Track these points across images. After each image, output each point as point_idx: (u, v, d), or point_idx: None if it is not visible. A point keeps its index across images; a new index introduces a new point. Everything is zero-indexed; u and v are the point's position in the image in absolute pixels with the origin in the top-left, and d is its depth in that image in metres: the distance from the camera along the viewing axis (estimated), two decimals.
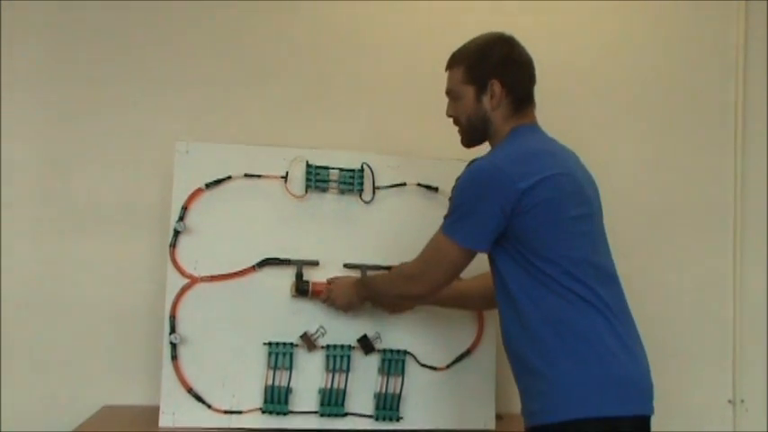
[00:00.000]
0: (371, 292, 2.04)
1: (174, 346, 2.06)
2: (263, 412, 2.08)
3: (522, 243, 1.72)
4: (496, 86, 1.82)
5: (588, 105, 2.55)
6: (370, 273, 2.14)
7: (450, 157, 2.22)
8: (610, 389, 1.65)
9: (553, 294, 1.69)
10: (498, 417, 2.19)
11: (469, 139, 1.91)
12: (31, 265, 2.32)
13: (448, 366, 2.17)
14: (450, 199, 1.81)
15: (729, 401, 2.56)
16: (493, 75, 1.82)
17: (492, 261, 1.82)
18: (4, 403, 2.28)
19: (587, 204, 1.78)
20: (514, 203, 1.69)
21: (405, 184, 2.21)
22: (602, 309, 1.70)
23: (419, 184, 2.21)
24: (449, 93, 1.92)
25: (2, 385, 2.28)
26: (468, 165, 1.80)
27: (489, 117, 1.84)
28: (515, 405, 2.19)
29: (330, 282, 2.12)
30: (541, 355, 1.69)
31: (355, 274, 2.15)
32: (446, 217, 1.81)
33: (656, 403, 1.75)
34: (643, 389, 1.71)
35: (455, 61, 1.89)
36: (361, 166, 2.19)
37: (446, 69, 1.92)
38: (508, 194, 1.69)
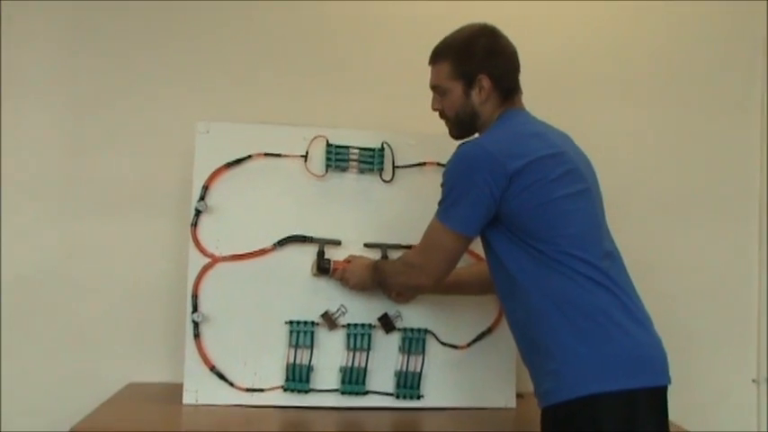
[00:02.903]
0: (382, 277, 2.04)
1: (196, 324, 2.09)
2: (285, 390, 2.10)
3: (516, 225, 1.72)
4: (485, 81, 1.82)
5: (605, 92, 2.53)
6: (390, 253, 2.14)
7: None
8: (621, 363, 1.65)
9: (555, 273, 1.69)
10: (519, 395, 2.20)
11: (458, 133, 1.91)
12: (55, 245, 2.36)
13: (468, 345, 2.18)
14: (441, 184, 1.81)
15: (753, 381, 2.54)
16: (480, 69, 1.82)
17: (487, 245, 1.82)
18: (33, 380, 2.33)
19: (582, 181, 1.77)
20: (504, 186, 1.70)
21: (425, 164, 2.21)
22: (605, 283, 1.70)
23: (439, 164, 2.19)
24: (435, 88, 1.91)
25: (30, 362, 2.33)
26: (457, 148, 1.80)
27: (477, 110, 1.85)
28: None
29: (348, 260, 2.13)
30: (548, 334, 1.69)
31: (375, 253, 2.16)
32: (439, 203, 1.81)
33: (679, 384, 1.74)
34: (656, 360, 1.71)
35: (439, 56, 1.89)
36: (381, 145, 2.19)
37: (430, 64, 1.91)
38: (497, 177, 1.70)
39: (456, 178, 1.76)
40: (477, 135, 1.89)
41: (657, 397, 1.69)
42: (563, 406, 1.66)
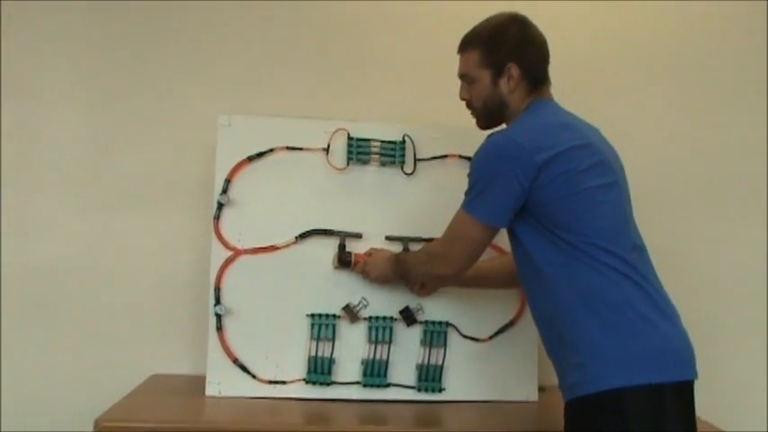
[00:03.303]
0: (404, 268, 2.04)
1: (218, 317, 2.10)
2: (307, 382, 2.11)
3: (544, 216, 1.71)
4: (514, 70, 1.81)
5: (631, 84, 2.51)
6: (412, 246, 2.15)
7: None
8: (648, 357, 1.64)
9: (582, 265, 1.68)
10: (541, 389, 2.20)
11: (485, 122, 1.90)
12: (80, 238, 2.38)
13: (490, 338, 2.18)
14: (468, 175, 1.81)
15: None
16: (510, 58, 1.81)
17: (514, 237, 1.81)
18: (58, 371, 2.36)
19: (611, 173, 1.76)
20: (532, 178, 1.69)
21: (446, 156, 2.21)
22: (633, 276, 1.69)
23: (461, 156, 2.20)
24: (463, 77, 1.90)
25: (54, 354, 2.36)
26: (486, 139, 1.79)
27: (506, 100, 1.84)
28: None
29: (369, 253, 2.13)
30: (574, 327, 1.68)
31: (397, 246, 2.16)
32: (466, 194, 1.80)
33: (704, 378, 1.73)
34: (683, 354, 1.70)
35: (469, 45, 1.87)
36: (403, 138, 2.19)
37: (459, 52, 1.90)
38: (525, 169, 1.69)
39: (484, 169, 1.75)
40: (503, 126, 1.88)
41: (684, 391, 1.68)
42: (588, 399, 1.65)
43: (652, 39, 2.53)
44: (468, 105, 1.92)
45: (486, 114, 1.89)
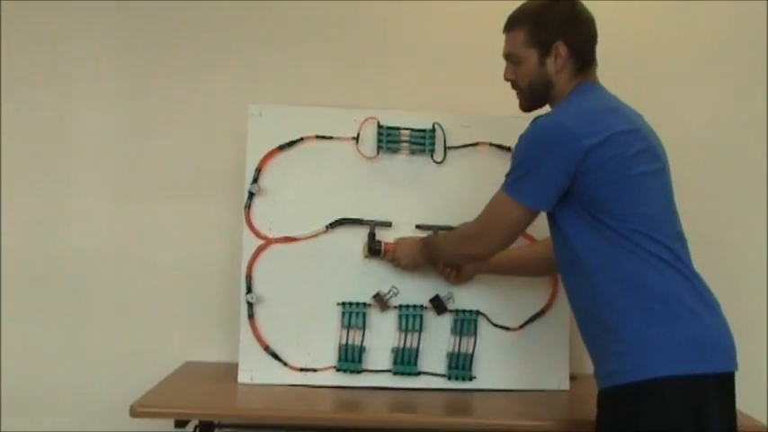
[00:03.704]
0: (435, 251, 2.03)
1: (250, 305, 2.12)
2: (338, 370, 2.13)
3: (590, 202, 1.68)
4: (561, 48, 1.77)
5: (677, 70, 2.46)
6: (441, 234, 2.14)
7: (522, 116, 2.16)
8: (690, 347, 1.61)
9: (626, 253, 1.66)
10: (572, 377, 2.19)
11: (529, 103, 1.87)
12: (113, 228, 2.42)
13: (521, 327, 2.18)
14: (512, 157, 1.79)
15: None
16: (557, 36, 1.77)
17: (554, 223, 1.78)
18: (94, 358, 2.40)
19: (657, 160, 1.74)
20: (579, 162, 1.66)
21: (477, 144, 2.20)
22: (677, 266, 1.67)
23: (491, 144, 2.19)
24: (508, 56, 1.86)
25: (90, 342, 2.40)
26: (532, 122, 1.77)
27: (552, 80, 1.80)
28: (589, 366, 2.19)
29: (397, 241, 2.12)
30: (615, 315, 1.66)
31: (427, 234, 2.14)
32: (507, 175, 1.78)
33: (743, 370, 1.70)
34: (725, 345, 1.67)
35: (515, 23, 1.83)
36: (433, 126, 2.18)
37: (504, 32, 1.86)
38: (572, 153, 1.66)
39: (529, 151, 1.73)
40: (547, 107, 1.85)
41: (725, 383, 1.65)
42: (627, 388, 1.63)
43: (703, 23, 2.47)
44: (514, 86, 1.88)
45: (532, 95, 1.85)
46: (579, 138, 1.66)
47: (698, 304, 1.65)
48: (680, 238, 1.73)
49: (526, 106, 1.88)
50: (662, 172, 1.75)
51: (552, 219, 1.79)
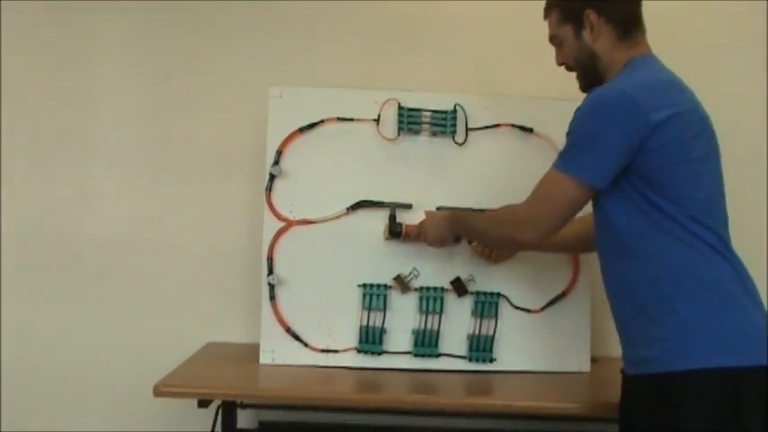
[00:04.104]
0: (467, 229, 1.98)
1: (271, 287, 2.13)
2: (359, 351, 2.14)
3: (646, 182, 1.60)
4: (592, 16, 1.73)
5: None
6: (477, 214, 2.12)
7: (545, 96, 2.20)
8: (736, 339, 1.56)
9: (675, 239, 1.59)
10: (593, 360, 2.18)
11: (585, 82, 1.80)
12: (135, 210, 2.44)
13: (542, 309, 2.18)
14: (567, 134, 1.68)
15: None
16: (584, 5, 1.73)
17: (597, 202, 1.71)
18: (118, 339, 2.43)
19: (713, 143, 1.68)
20: (644, 137, 1.57)
21: (498, 125, 2.19)
22: (727, 255, 1.62)
23: (513, 125, 2.19)
24: (552, 40, 1.84)
25: (114, 323, 2.43)
26: (591, 93, 1.67)
27: (594, 51, 1.74)
28: (610, 348, 2.22)
29: (426, 214, 2.09)
30: (659, 301, 1.60)
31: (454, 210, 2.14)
32: (562, 154, 1.68)
33: None
34: (766, 338, 1.59)
35: (549, 7, 1.83)
36: (454, 108, 2.18)
37: (544, 18, 1.85)
38: (639, 126, 1.57)
39: (590, 124, 1.62)
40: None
41: (765, 377, 1.58)
42: (668, 376, 1.57)
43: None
44: (567, 68, 1.84)
45: (584, 73, 1.79)
46: (646, 111, 1.57)
47: (744, 295, 1.61)
48: (727, 225, 1.67)
49: (583, 85, 1.81)
50: (715, 155, 1.69)
51: (596, 198, 1.71)
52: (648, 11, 1.77)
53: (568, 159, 1.65)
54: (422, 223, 2.07)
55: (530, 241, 1.77)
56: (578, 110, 1.66)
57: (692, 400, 1.55)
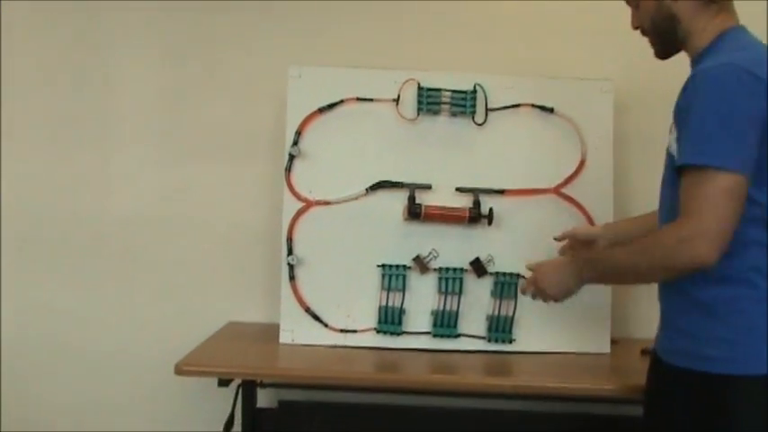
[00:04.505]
0: (606, 271, 1.66)
1: (291, 267, 2.15)
2: (378, 332, 2.15)
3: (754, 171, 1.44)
4: None
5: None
6: (482, 198, 2.13)
7: (566, 76, 2.19)
8: None
9: (762, 233, 1.47)
10: (613, 341, 2.17)
11: (662, 47, 1.64)
12: (156, 191, 2.45)
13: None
14: (681, 123, 1.48)
15: None
16: None
17: (671, 186, 1.54)
18: (140, 319, 2.45)
19: None
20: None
21: (518, 106, 2.18)
22: None
23: (533, 105, 2.18)
24: (628, 1, 1.68)
25: (135, 302, 2.45)
26: (700, 73, 1.48)
27: (674, 13, 1.57)
28: (631, 329, 2.23)
29: (533, 269, 1.83)
30: (728, 299, 1.49)
31: (467, 197, 2.15)
32: (688, 146, 1.45)
33: None
34: None
35: None
36: (474, 88, 2.17)
37: None
38: (763, 102, 1.41)
39: (715, 105, 1.42)
40: (683, 53, 1.64)
41: None
42: (727, 378, 1.46)
43: None
44: (643, 33, 1.67)
45: (660, 36, 1.62)
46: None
47: None
48: None
49: (660, 52, 1.65)
50: None
51: (669, 184, 1.57)
52: None
53: (701, 150, 1.42)
54: (535, 279, 1.79)
55: (711, 258, 1.42)
56: (688, 93, 1.48)
57: (753, 407, 1.46)
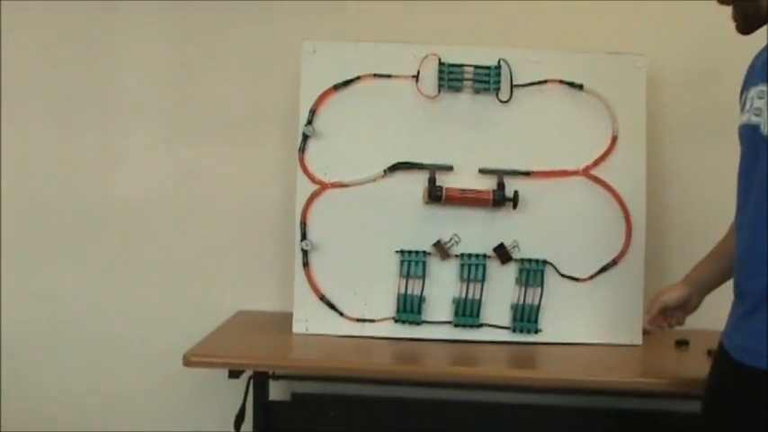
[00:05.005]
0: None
1: (305, 253, 2.13)
2: (396, 321, 2.13)
3: None
4: None
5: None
6: (507, 180, 2.13)
7: (596, 50, 2.17)
8: None
9: None
10: (645, 332, 2.14)
11: (744, 22, 1.56)
12: (164, 171, 2.44)
13: (591, 277, 2.14)
14: None
15: None
16: None
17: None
18: (147, 306, 2.46)
19: None
20: None
21: (546, 82, 2.16)
22: None
23: (561, 81, 2.15)
24: None
25: (143, 289, 2.46)
26: None
27: None
28: None
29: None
30: None
31: (491, 179, 2.13)
32: None
33: None
34: None
35: None
36: (498, 63, 2.14)
37: None
38: None
39: None
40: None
41: None
42: None
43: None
44: (722, 1, 1.58)
45: (742, 9, 1.55)
46: None
47: None
48: None
49: (742, 26, 1.57)
50: None
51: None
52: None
53: None
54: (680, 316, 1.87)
55: None
56: None
57: None
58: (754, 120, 1.45)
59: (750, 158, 1.49)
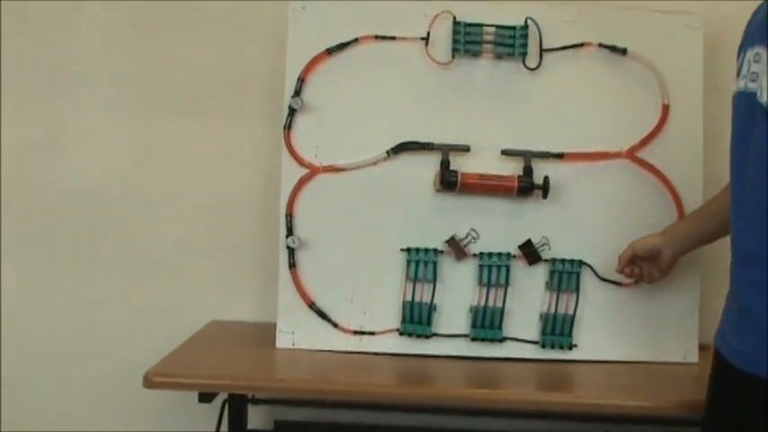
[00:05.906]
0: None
1: (291, 251, 2.08)
2: (401, 334, 2.08)
3: None
4: None
5: None
6: (535, 163, 2.07)
7: (644, 7, 2.14)
8: None
9: None
10: (701, 348, 2.08)
11: None
12: (123, 153, 2.37)
13: (636, 282, 2.08)
14: None
15: None
16: None
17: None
18: (100, 315, 2.39)
19: None
20: None
21: (582, 45, 2.10)
22: None
23: (601, 45, 2.10)
24: None
25: (96, 295, 2.40)
26: None
27: None
28: None
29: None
30: None
31: (516, 162, 2.07)
32: None
33: None
34: None
35: None
36: (525, 22, 2.08)
37: None
38: None
39: None
40: None
41: None
42: None
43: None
44: None
45: None
46: None
47: None
48: None
49: None
50: None
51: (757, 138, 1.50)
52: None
53: None
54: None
55: None
56: None
57: None
58: (751, 86, 1.48)
59: (745, 127, 1.53)
